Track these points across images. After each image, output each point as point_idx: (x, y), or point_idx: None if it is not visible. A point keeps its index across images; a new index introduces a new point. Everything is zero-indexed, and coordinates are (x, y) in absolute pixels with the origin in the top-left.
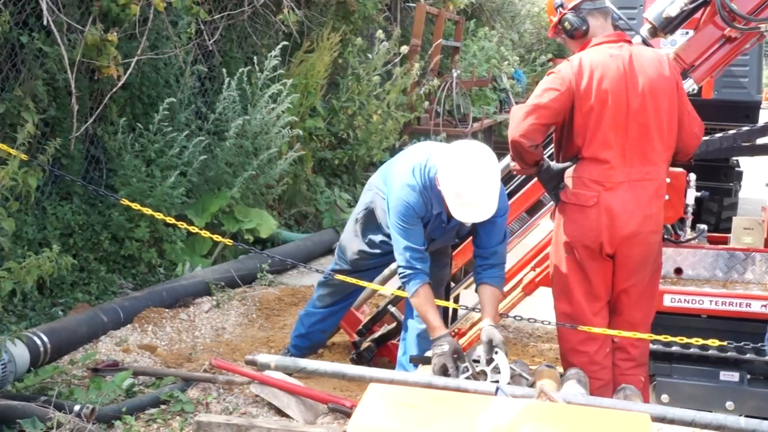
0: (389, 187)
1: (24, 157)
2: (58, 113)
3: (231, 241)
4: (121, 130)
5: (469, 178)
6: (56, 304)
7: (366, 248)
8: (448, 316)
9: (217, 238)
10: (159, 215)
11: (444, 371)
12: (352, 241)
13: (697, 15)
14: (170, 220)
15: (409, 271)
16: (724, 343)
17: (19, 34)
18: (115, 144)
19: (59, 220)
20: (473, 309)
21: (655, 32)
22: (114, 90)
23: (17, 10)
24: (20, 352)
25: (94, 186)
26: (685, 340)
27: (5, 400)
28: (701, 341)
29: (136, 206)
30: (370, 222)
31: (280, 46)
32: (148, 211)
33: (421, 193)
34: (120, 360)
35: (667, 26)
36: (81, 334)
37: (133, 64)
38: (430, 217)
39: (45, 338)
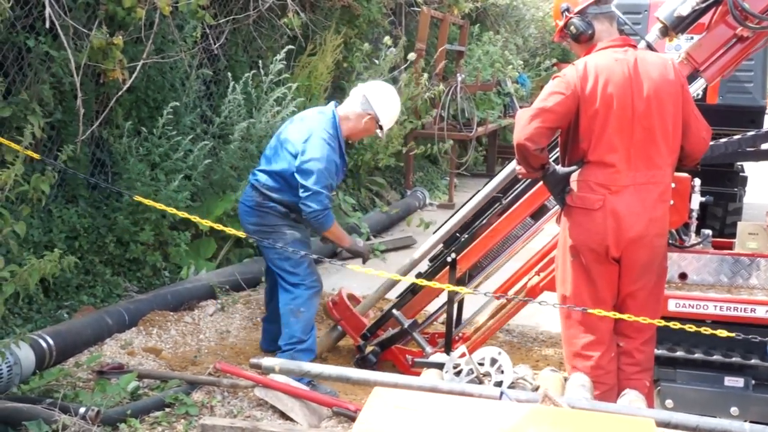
0: (307, 150)
1: (37, 156)
2: (65, 117)
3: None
4: (126, 134)
5: (396, 104)
6: (61, 307)
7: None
8: (452, 321)
9: (231, 231)
10: (172, 210)
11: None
12: (291, 228)
13: (708, 14)
14: (183, 214)
15: (326, 212)
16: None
17: (26, 38)
18: (121, 147)
19: (65, 223)
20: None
21: (666, 31)
22: (120, 93)
23: (24, 14)
24: (26, 355)
25: (109, 185)
26: (694, 328)
27: (11, 402)
28: (708, 330)
29: (150, 203)
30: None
31: (285, 50)
32: (160, 206)
33: (335, 146)
34: (125, 363)
35: (678, 25)
36: (86, 337)
37: (138, 68)
38: (340, 156)
39: (50, 341)
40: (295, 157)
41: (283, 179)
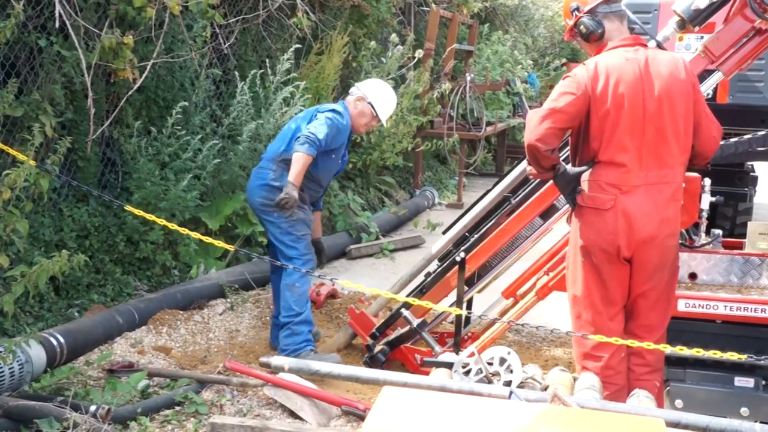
0: (322, 110)
1: (32, 162)
2: (75, 116)
3: (233, 246)
4: (136, 133)
5: (386, 89)
6: (72, 306)
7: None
8: (461, 320)
9: (219, 244)
10: (163, 221)
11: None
12: (297, 208)
13: (726, 7)
14: (173, 226)
15: (312, 142)
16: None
17: (38, 38)
18: (131, 147)
19: (75, 221)
20: (483, 316)
21: (683, 24)
22: (130, 93)
23: (36, 14)
24: (37, 353)
25: (100, 194)
26: (702, 353)
27: (22, 400)
28: (718, 354)
29: (140, 213)
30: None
31: (292, 49)
32: (151, 217)
33: (344, 120)
34: (135, 361)
35: (695, 18)
36: (97, 336)
37: (149, 68)
38: (347, 138)
39: (61, 339)
40: (311, 118)
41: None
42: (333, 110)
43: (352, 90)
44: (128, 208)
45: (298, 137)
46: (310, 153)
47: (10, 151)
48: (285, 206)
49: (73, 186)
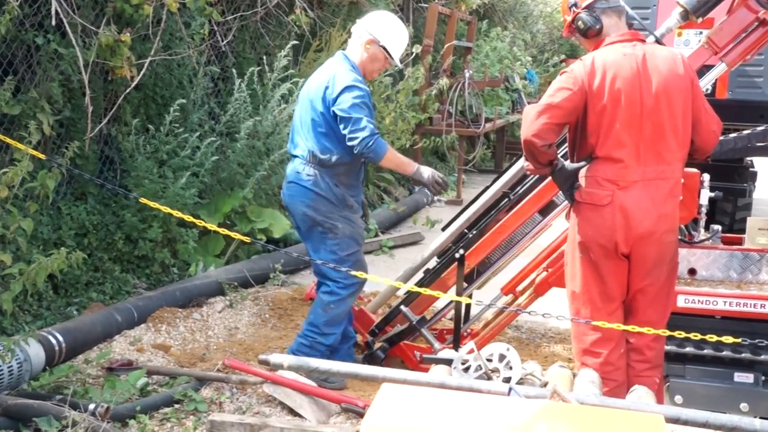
0: (336, 84)
1: (42, 156)
2: (73, 114)
3: (248, 238)
4: (134, 131)
5: (397, 25)
6: (71, 304)
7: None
8: (460, 317)
9: (235, 235)
10: (177, 213)
11: (440, 177)
12: (344, 223)
13: (723, 0)
14: (188, 218)
15: (376, 136)
16: (738, 340)
17: (35, 36)
18: (129, 145)
19: (74, 220)
20: (489, 306)
21: (686, 15)
22: (128, 91)
23: (33, 12)
24: (36, 352)
25: (113, 186)
26: (699, 336)
27: (21, 398)
28: (715, 338)
29: (155, 205)
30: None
31: (289, 45)
32: (166, 209)
33: (360, 77)
34: (134, 359)
35: (699, 9)
36: (96, 334)
37: (146, 65)
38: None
39: (60, 337)
40: (324, 101)
41: (323, 135)
42: (347, 89)
43: (356, 31)
44: (145, 201)
45: (364, 155)
46: (383, 147)
47: (19, 145)
48: (442, 189)
49: (72, 184)
